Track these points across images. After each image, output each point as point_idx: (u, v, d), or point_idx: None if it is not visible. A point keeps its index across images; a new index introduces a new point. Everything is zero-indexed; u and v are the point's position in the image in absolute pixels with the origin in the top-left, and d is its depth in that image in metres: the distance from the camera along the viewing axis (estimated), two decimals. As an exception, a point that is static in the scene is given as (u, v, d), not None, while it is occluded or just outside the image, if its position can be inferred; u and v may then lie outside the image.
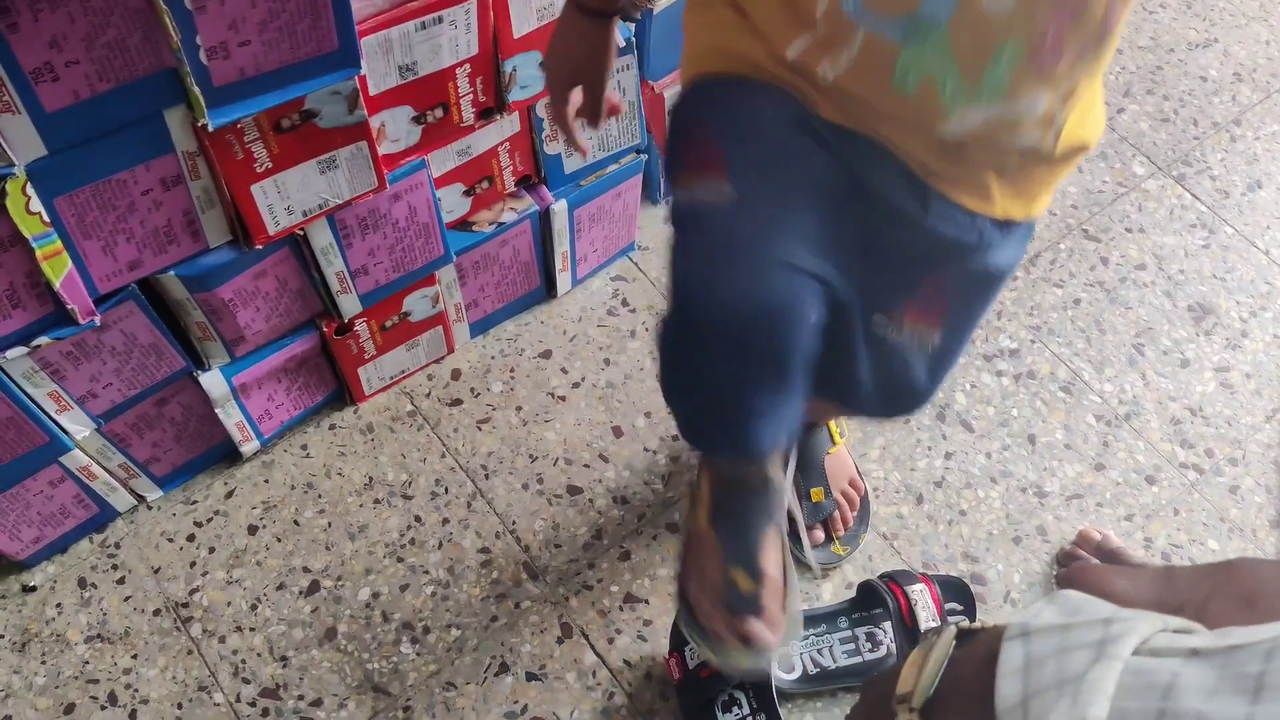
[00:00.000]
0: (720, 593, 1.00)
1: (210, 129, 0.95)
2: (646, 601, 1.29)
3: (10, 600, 1.29)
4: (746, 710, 1.19)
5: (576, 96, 1.00)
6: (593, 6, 0.93)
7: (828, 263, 0.81)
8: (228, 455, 1.38)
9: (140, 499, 1.34)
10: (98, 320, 1.06)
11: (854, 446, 1.39)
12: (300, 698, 1.23)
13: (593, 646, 1.26)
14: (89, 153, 0.94)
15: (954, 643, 0.60)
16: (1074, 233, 1.60)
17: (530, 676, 1.25)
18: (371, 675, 1.24)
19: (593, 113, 1.01)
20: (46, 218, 0.95)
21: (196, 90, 0.92)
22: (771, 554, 1.00)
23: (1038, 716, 0.47)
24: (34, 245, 0.95)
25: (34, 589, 1.30)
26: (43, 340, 1.04)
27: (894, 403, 1.00)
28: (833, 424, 1.33)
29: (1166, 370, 1.47)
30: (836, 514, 1.31)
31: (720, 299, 0.78)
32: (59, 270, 0.99)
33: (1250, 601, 0.64)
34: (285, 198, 1.07)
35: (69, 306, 1.02)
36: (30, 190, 0.92)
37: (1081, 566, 1.27)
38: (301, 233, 1.14)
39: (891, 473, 1.38)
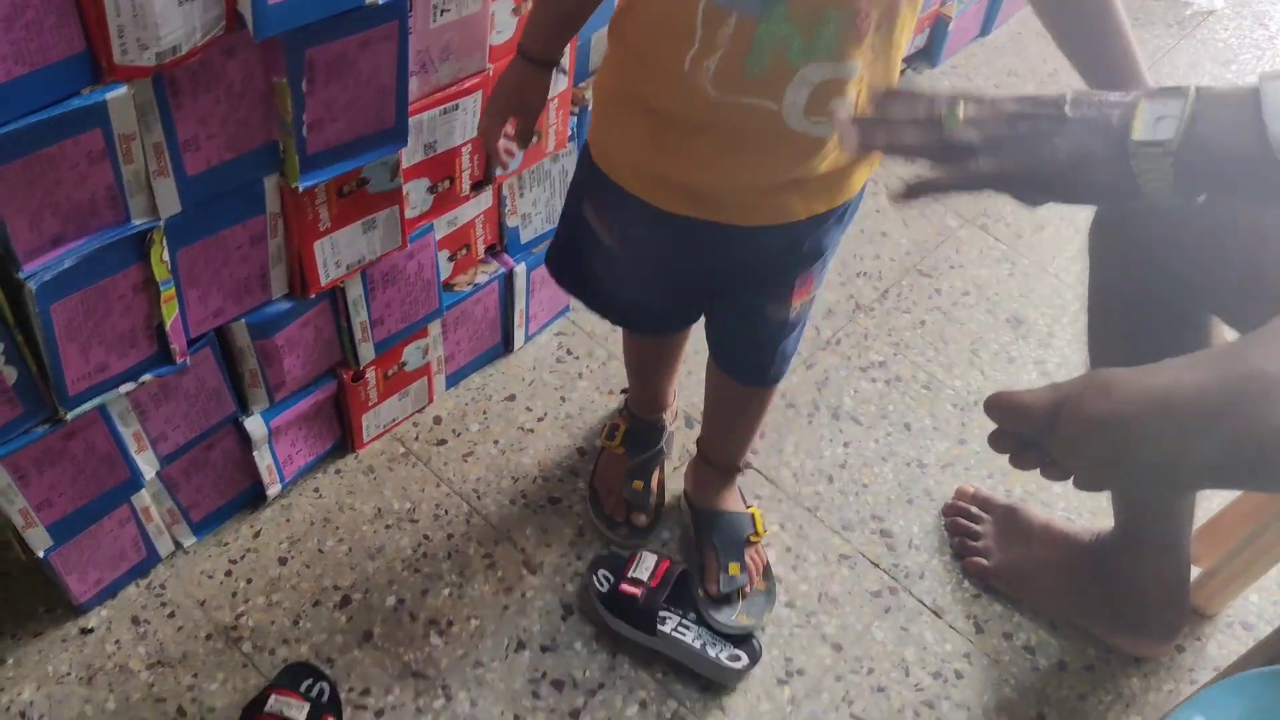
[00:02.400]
0: (622, 491, 1.58)
1: (300, 190, 1.21)
2: (630, 579, 1.55)
3: (71, 642, 1.44)
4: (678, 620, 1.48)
5: (509, 126, 1.25)
6: (537, 59, 1.20)
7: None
8: (250, 502, 1.58)
9: (178, 545, 1.52)
10: (189, 361, 1.28)
11: (772, 444, 1.72)
12: (351, 689, 1.43)
13: (591, 620, 1.51)
14: (208, 211, 1.19)
15: (1195, 96, 0.56)
16: (911, 272, 2.01)
17: (544, 649, 1.48)
18: (409, 665, 1.45)
19: (524, 138, 1.26)
20: (170, 267, 1.19)
21: (296, 158, 1.19)
22: (656, 472, 1.61)
23: None
24: (161, 290, 1.18)
25: (92, 630, 1.45)
26: (147, 377, 1.25)
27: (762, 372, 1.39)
28: (758, 517, 1.55)
29: (999, 366, 1.87)
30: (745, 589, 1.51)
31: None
32: (170, 314, 1.22)
33: None
34: (337, 253, 1.34)
35: (172, 347, 1.25)
36: (165, 242, 1.16)
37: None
38: (341, 285, 1.39)
39: (805, 461, 1.71)
